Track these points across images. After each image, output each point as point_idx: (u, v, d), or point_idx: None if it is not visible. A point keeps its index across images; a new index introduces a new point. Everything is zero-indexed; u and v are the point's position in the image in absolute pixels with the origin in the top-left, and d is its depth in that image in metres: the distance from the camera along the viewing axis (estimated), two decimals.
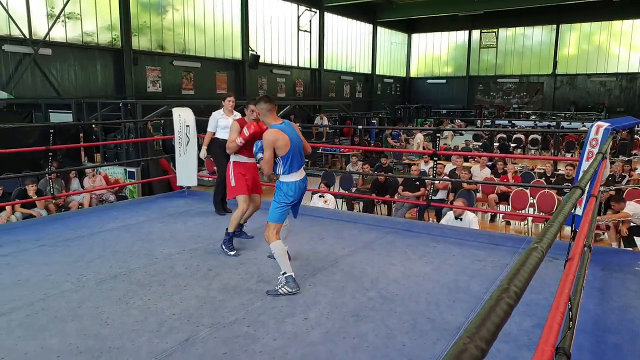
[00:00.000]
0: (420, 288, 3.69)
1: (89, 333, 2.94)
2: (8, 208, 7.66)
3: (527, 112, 30.89)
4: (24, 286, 3.65)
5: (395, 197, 8.87)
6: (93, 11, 16.60)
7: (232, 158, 4.59)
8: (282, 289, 3.56)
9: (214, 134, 5.76)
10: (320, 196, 8.42)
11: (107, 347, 2.79)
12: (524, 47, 31.89)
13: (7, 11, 14.11)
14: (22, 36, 14.53)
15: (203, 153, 6.07)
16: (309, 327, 3.06)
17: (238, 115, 5.53)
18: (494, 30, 32.52)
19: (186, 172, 6.90)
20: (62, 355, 2.70)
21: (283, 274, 3.60)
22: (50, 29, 15.18)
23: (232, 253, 4.40)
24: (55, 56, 15.51)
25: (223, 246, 4.47)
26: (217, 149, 5.68)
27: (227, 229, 4.52)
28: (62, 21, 15.69)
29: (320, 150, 16.05)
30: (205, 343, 2.86)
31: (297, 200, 3.79)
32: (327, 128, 17.85)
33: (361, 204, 9.25)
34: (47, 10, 15.25)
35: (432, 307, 3.37)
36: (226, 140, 5.46)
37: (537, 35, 31.40)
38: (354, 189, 9.87)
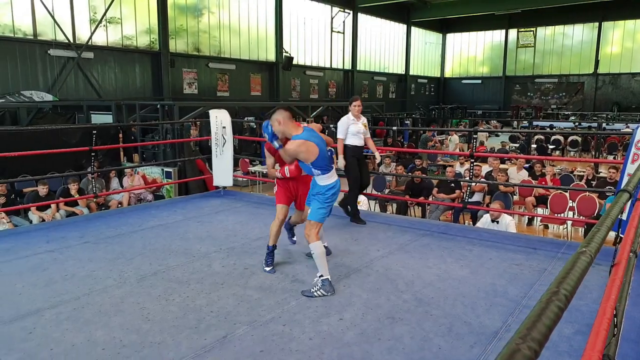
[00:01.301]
0: (457, 291, 3.66)
1: (131, 327, 3.04)
2: (53, 206, 7.95)
3: (567, 112, 30.09)
4: (71, 281, 3.79)
5: (430, 199, 8.79)
6: (132, 15, 17.07)
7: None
8: (318, 291, 3.57)
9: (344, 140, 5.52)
10: None
11: (148, 341, 2.88)
12: (563, 46, 31.09)
13: (53, 17, 14.66)
14: (67, 41, 15.06)
15: (342, 162, 5.57)
16: (344, 328, 3.08)
17: (365, 119, 5.53)
18: (532, 29, 31.81)
19: (222, 172, 7.02)
20: (107, 348, 2.80)
21: (320, 276, 3.62)
22: (92, 34, 15.69)
23: (268, 269, 4.10)
24: (96, 59, 16.02)
25: (265, 260, 4.18)
26: (347, 155, 5.49)
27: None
28: (104, 26, 16.19)
29: None
30: (243, 341, 2.91)
31: (335, 199, 3.82)
32: None
33: (394, 205, 9.21)
34: (90, 15, 15.77)
35: (468, 310, 3.34)
36: (357, 146, 5.51)
37: (577, 33, 30.56)
38: (386, 191, 9.83)
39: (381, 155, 14.13)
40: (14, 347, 2.81)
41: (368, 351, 2.81)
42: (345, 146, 5.50)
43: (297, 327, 3.08)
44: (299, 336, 2.97)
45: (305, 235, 3.72)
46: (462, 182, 8.48)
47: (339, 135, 5.52)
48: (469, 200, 8.00)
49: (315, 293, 3.57)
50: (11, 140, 8.76)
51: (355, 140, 5.49)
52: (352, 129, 5.44)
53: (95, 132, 6.54)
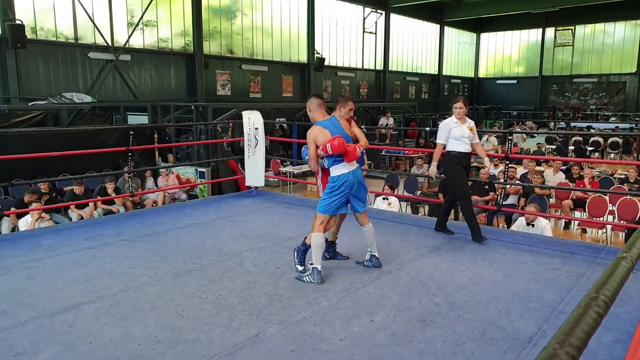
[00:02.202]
0: (490, 295, 3.60)
1: (166, 324, 3.11)
2: (91, 204, 8.20)
3: (607, 113, 29.16)
4: (108, 277, 3.90)
5: None
6: (168, 18, 17.43)
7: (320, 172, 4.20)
8: (307, 277, 3.79)
9: (445, 146, 4.99)
10: (384, 199, 8.38)
11: (182, 338, 2.94)
12: (603, 44, 30.17)
13: (93, 22, 15.11)
14: (105, 44, 15.50)
15: (433, 170, 5.18)
16: (374, 330, 3.07)
17: (472, 123, 4.95)
18: (571, 27, 30.98)
19: (254, 172, 7.09)
20: (143, 343, 2.87)
21: (311, 264, 3.80)
22: (129, 37, 16.10)
23: (300, 268, 4.00)
24: (133, 62, 16.42)
25: (298, 256, 4.03)
26: (450, 163, 4.98)
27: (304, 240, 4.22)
28: (140, 29, 16.59)
29: (383, 152, 15.96)
30: (274, 339, 2.94)
31: (345, 193, 3.84)
32: (392, 130, 17.71)
33: (427, 207, 9.12)
34: (127, 19, 16.18)
35: (502, 315, 3.28)
36: (462, 152, 4.88)
37: (619, 31, 29.60)
38: (418, 192, 9.74)
39: (413, 157, 14.02)
40: (56, 340, 2.91)
41: (399, 354, 2.80)
42: (448, 153, 4.96)
43: (328, 328, 3.09)
44: (329, 337, 2.98)
45: (312, 226, 3.85)
46: (496, 184, 8.34)
47: (437, 140, 5.05)
48: (504, 202, 7.85)
49: (304, 278, 3.79)
50: (53, 141, 9.08)
51: (458, 146, 4.90)
52: (455, 132, 4.89)
53: (131, 132, 6.71)
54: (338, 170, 3.85)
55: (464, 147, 4.92)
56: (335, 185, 3.82)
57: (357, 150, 3.89)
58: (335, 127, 3.89)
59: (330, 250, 4.32)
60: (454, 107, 4.91)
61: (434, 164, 5.11)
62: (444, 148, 5.01)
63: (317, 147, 3.85)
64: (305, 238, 4.02)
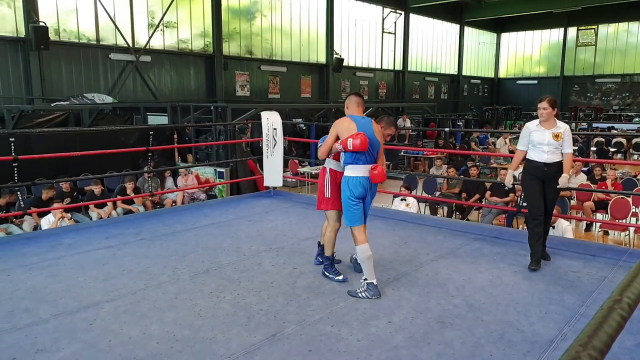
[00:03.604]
0: (509, 297, 3.55)
1: (184, 323, 3.13)
2: (110, 204, 8.31)
3: (630, 114, 28.56)
4: (128, 276, 3.95)
5: (483, 202, 8.58)
6: (188, 19, 17.59)
7: (329, 165, 3.93)
8: (362, 293, 3.56)
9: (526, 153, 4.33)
10: (402, 199, 8.33)
11: (200, 337, 2.96)
12: (627, 44, 29.53)
13: (114, 23, 15.33)
14: (126, 45, 15.71)
15: (508, 178, 4.62)
16: (392, 331, 3.05)
17: (561, 128, 4.16)
18: (593, 26, 30.42)
19: (272, 173, 7.11)
20: (161, 342, 2.90)
21: (365, 279, 3.59)
22: (150, 38, 16.28)
23: (340, 277, 3.86)
24: (153, 62, 16.61)
25: (326, 272, 3.92)
26: (525, 174, 4.37)
27: (322, 247, 4.05)
28: (161, 30, 16.77)
29: (402, 153, 15.88)
30: (292, 339, 2.94)
31: (362, 197, 3.64)
32: (410, 130, 17.61)
33: (445, 208, 9.05)
34: (148, 20, 16.38)
35: (521, 317, 3.24)
36: (540, 163, 4.19)
37: None
38: (437, 193, 9.67)
39: (432, 157, 13.92)
40: (76, 337, 2.96)
41: (417, 355, 2.78)
42: (526, 161, 4.33)
43: (345, 329, 3.08)
44: (347, 337, 2.97)
45: (353, 239, 3.70)
46: (516, 185, 8.22)
47: (517, 146, 4.47)
48: (523, 204, 7.74)
49: (360, 294, 3.56)
50: (75, 141, 9.23)
51: (536, 154, 4.21)
52: (534, 138, 4.22)
53: (151, 133, 6.78)
54: (355, 171, 3.62)
55: (543, 157, 4.18)
56: (354, 189, 3.58)
57: (383, 174, 3.65)
58: (366, 126, 3.64)
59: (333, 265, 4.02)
60: (538, 107, 4.23)
61: (510, 171, 4.60)
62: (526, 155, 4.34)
63: (337, 138, 3.64)
64: (321, 244, 3.97)
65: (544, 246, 4.35)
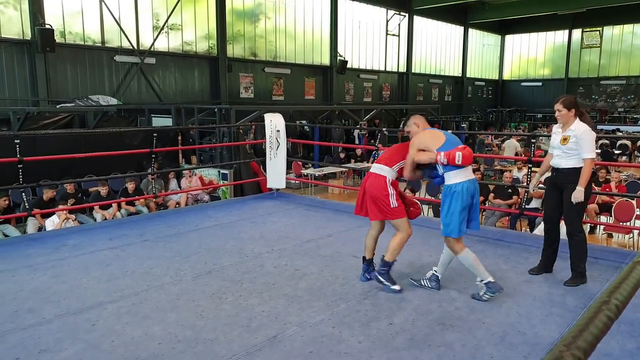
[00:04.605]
0: (511, 300, 3.55)
1: (186, 324, 3.15)
2: (114, 205, 8.35)
3: (636, 116, 28.46)
4: (131, 277, 3.97)
5: (486, 204, 8.58)
6: (192, 22, 17.66)
7: (390, 175, 3.71)
8: (485, 295, 3.49)
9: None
10: None
11: (202, 338, 2.98)
12: (632, 45, 29.46)
13: (119, 25, 15.42)
14: (131, 47, 15.79)
15: (532, 183, 4.37)
16: (393, 333, 3.06)
17: (575, 130, 3.80)
18: (598, 28, 30.35)
19: (276, 175, 7.13)
20: (163, 343, 2.91)
21: (481, 281, 3.51)
22: (155, 40, 16.37)
23: (397, 287, 3.68)
24: (158, 65, 16.69)
25: (381, 278, 3.70)
26: (546, 179, 4.20)
27: (383, 256, 3.76)
28: (165, 32, 16.85)
29: None
30: (293, 341, 2.95)
31: (467, 205, 3.47)
32: None
33: None
34: (153, 22, 16.47)
35: (523, 320, 3.24)
36: (552, 167, 4.03)
37: None
38: (440, 195, 9.66)
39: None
40: (79, 337, 2.98)
41: (418, 357, 2.79)
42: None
43: (347, 330, 3.09)
44: (348, 339, 2.98)
45: (451, 252, 3.61)
46: (519, 188, 8.22)
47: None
48: (527, 206, 7.73)
49: (483, 297, 3.49)
50: (79, 142, 9.28)
51: (552, 158, 4.03)
52: (551, 141, 4.06)
53: (155, 134, 6.82)
54: (457, 177, 3.46)
55: (554, 161, 3.99)
56: (455, 197, 3.43)
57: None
58: (451, 135, 3.58)
59: (370, 269, 3.89)
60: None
61: (536, 175, 4.32)
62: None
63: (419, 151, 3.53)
64: (383, 256, 3.72)
65: (549, 258, 4.17)
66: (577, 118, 3.86)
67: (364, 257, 3.93)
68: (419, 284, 3.77)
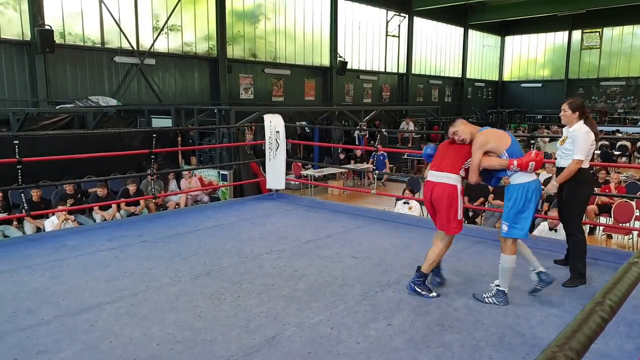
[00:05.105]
0: (510, 301, 3.55)
1: (185, 324, 3.15)
2: (114, 206, 8.35)
3: (635, 117, 28.46)
4: (130, 278, 3.97)
5: (486, 205, 8.58)
6: (192, 23, 17.66)
7: (460, 183, 3.57)
8: (490, 298, 3.47)
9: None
10: (404, 202, 8.34)
11: (200, 338, 2.98)
12: (632, 46, 29.45)
13: (119, 26, 15.42)
14: (131, 48, 15.79)
15: (554, 186, 4.06)
16: (392, 334, 3.06)
17: (572, 131, 3.91)
18: (598, 30, 30.35)
19: (275, 175, 7.13)
20: (162, 343, 2.91)
21: (497, 286, 3.49)
22: (154, 41, 16.37)
23: (434, 294, 3.60)
24: (158, 65, 16.69)
25: (417, 289, 3.61)
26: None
27: (419, 267, 3.66)
28: (165, 33, 16.85)
29: (405, 156, 15.89)
30: (291, 342, 2.95)
31: (533, 206, 3.38)
32: (413, 133, 17.62)
33: None
34: (152, 23, 16.47)
35: (521, 321, 3.24)
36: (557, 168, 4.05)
37: None
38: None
39: None
40: (77, 338, 2.98)
41: (416, 358, 2.79)
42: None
43: (345, 331, 3.09)
44: (346, 340, 2.98)
45: (501, 248, 3.53)
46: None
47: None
48: None
49: (486, 299, 3.47)
50: (79, 143, 9.28)
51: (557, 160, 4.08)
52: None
53: (155, 135, 6.82)
54: (528, 175, 3.38)
55: (557, 161, 4.08)
56: (534, 193, 3.35)
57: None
58: (510, 133, 3.51)
59: (440, 273, 3.83)
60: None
61: (558, 180, 4.01)
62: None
63: (483, 153, 3.42)
64: (419, 267, 3.63)
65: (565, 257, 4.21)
66: (581, 121, 3.92)
67: (419, 267, 3.75)
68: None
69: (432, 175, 3.62)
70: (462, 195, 3.55)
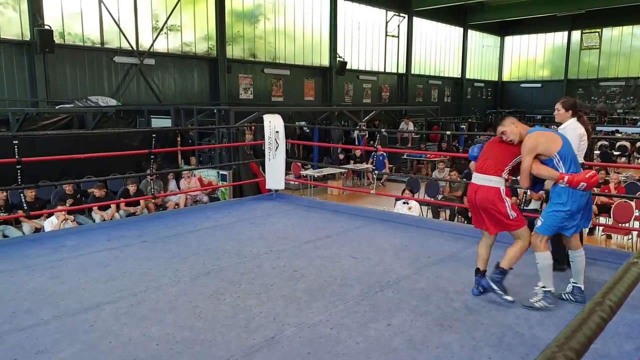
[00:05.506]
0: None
1: (184, 325, 3.15)
2: (113, 206, 8.34)
3: (635, 117, 28.47)
4: (129, 278, 3.97)
5: None
6: (192, 23, 17.66)
7: (503, 185, 3.49)
8: (539, 302, 3.38)
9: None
10: (404, 203, 8.35)
11: (200, 339, 2.97)
12: (631, 47, 29.46)
13: (119, 26, 15.42)
14: (131, 48, 15.79)
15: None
16: (391, 334, 3.06)
17: (567, 127, 3.99)
18: (597, 30, 30.36)
19: (275, 175, 7.13)
20: (161, 344, 2.91)
21: (542, 287, 3.40)
22: (154, 41, 16.37)
23: (509, 298, 3.49)
24: (157, 65, 16.69)
25: (494, 286, 3.50)
26: None
27: (498, 263, 3.57)
28: (165, 33, 16.85)
29: (405, 156, 15.89)
30: (290, 342, 2.95)
31: (576, 209, 3.32)
32: (413, 133, 17.62)
33: (448, 212, 9.04)
34: (152, 23, 16.47)
35: (521, 321, 3.24)
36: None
37: None
38: (440, 197, 9.67)
39: (435, 160, 13.90)
40: (77, 338, 2.98)
41: (416, 358, 2.79)
42: None
43: (345, 331, 3.09)
44: (346, 340, 2.98)
45: (532, 245, 3.47)
46: (518, 189, 8.21)
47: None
48: (526, 208, 7.73)
49: (536, 304, 3.38)
50: (79, 143, 9.27)
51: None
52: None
53: (154, 135, 6.81)
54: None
55: None
56: (564, 198, 3.28)
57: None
58: (562, 134, 3.39)
59: (484, 280, 3.62)
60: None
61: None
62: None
63: (534, 157, 3.33)
64: (499, 263, 3.54)
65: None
66: (574, 118, 4.00)
67: (477, 269, 3.69)
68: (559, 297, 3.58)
69: (475, 178, 3.57)
70: (507, 196, 3.46)
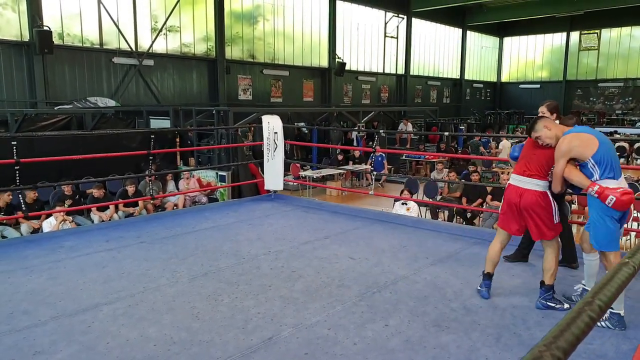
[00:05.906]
0: (507, 302, 3.56)
1: (182, 325, 3.15)
2: (112, 207, 8.34)
3: (633, 118, 28.51)
4: (127, 279, 3.97)
5: (484, 206, 8.59)
6: (191, 24, 17.67)
7: (549, 189, 3.41)
8: (604, 322, 3.06)
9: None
10: (402, 203, 8.35)
11: (197, 339, 2.98)
12: (630, 48, 29.48)
13: (118, 27, 15.42)
14: (130, 49, 15.78)
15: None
16: (389, 334, 3.06)
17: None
18: (596, 31, 30.39)
19: (273, 176, 7.14)
20: (158, 344, 2.91)
21: (611, 309, 3.08)
22: (153, 42, 16.37)
23: (567, 306, 3.41)
24: (156, 66, 16.68)
25: (550, 304, 3.42)
26: None
27: (542, 281, 3.48)
28: (164, 34, 16.85)
29: (404, 157, 15.90)
30: (288, 342, 2.95)
31: (621, 215, 3.16)
32: (412, 134, 17.64)
33: (446, 212, 9.05)
34: (151, 24, 16.47)
35: (518, 321, 3.24)
36: None
37: None
38: (438, 197, 9.68)
39: (434, 161, 13.90)
40: (74, 339, 2.98)
41: (413, 359, 2.79)
42: None
43: (342, 332, 3.09)
44: (343, 341, 2.98)
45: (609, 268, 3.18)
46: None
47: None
48: None
49: (602, 323, 3.06)
50: (78, 144, 9.27)
51: None
52: None
53: (153, 136, 6.81)
54: (611, 184, 3.11)
55: None
56: (600, 205, 3.12)
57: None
58: (595, 132, 3.22)
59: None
60: None
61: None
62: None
63: (569, 161, 3.20)
64: (543, 282, 3.45)
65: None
66: (556, 121, 3.95)
67: (488, 273, 3.63)
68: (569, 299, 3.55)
69: (518, 180, 3.46)
70: (553, 199, 3.40)
